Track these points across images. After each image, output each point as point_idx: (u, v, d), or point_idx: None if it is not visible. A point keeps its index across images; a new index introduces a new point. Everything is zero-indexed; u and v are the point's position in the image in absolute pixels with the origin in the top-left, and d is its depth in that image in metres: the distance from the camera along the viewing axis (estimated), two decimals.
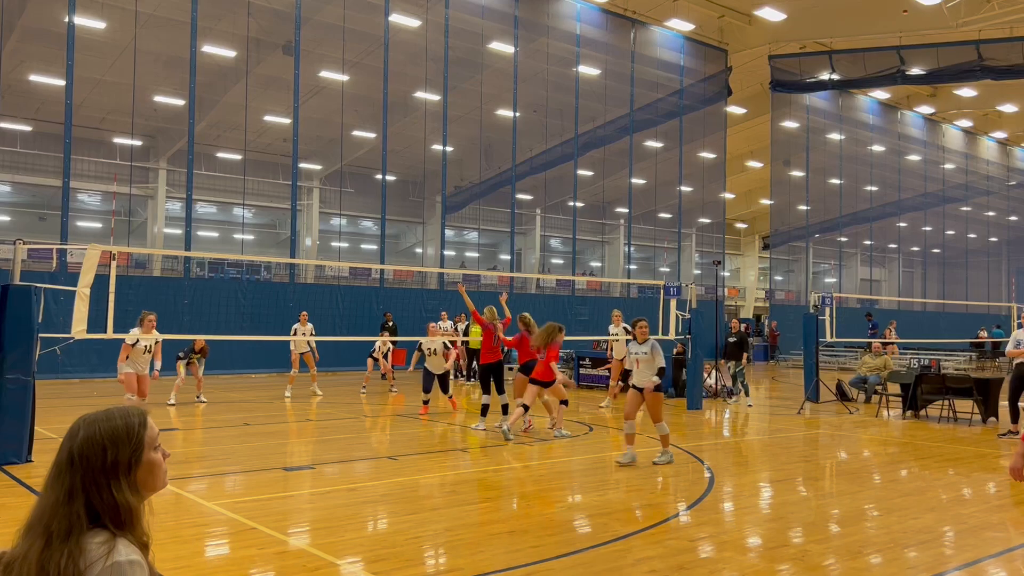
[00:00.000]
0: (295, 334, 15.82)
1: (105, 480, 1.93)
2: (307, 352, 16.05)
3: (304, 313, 16.20)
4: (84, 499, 1.91)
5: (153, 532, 2.06)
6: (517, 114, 27.83)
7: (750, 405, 15.69)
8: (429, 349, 13.30)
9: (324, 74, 25.70)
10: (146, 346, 11.38)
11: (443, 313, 20.55)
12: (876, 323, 26.89)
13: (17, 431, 8.35)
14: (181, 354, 14.44)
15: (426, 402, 13.34)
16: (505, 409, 11.55)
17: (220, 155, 29.09)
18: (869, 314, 28.05)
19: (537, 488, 7.79)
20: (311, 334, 15.93)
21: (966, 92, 37.67)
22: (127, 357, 11.31)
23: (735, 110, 35.61)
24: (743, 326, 16.94)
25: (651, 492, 7.77)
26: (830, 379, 17.96)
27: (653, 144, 32.57)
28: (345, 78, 25.23)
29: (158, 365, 12.07)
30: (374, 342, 17.64)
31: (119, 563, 1.87)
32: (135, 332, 11.30)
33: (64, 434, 2.00)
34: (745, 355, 16.21)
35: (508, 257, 33.04)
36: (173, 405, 13.67)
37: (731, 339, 16.46)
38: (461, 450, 10.19)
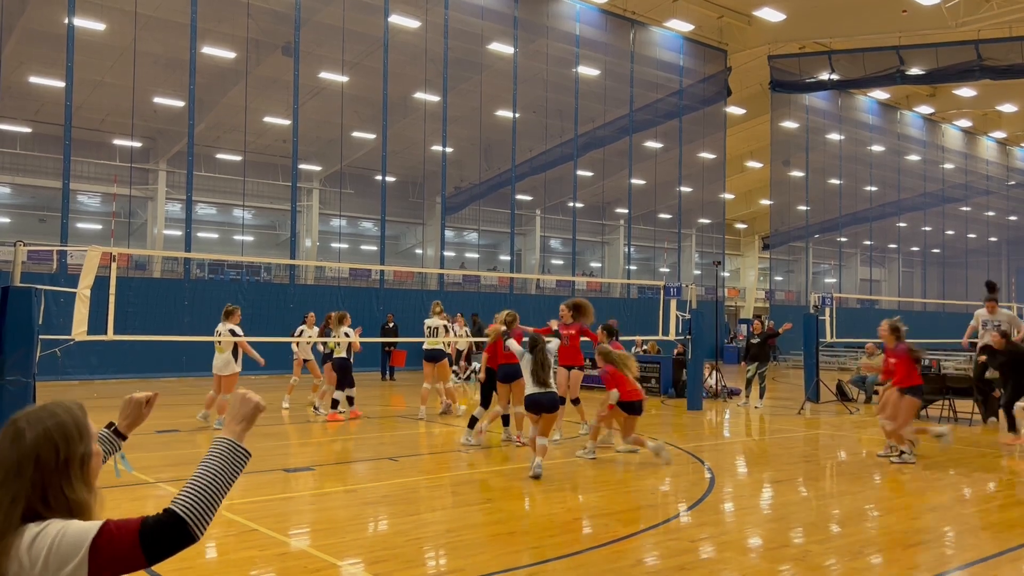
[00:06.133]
0: (300, 335, 13.82)
1: (58, 480, 1.85)
2: (311, 360, 14.19)
3: (311, 314, 14.34)
4: (25, 504, 1.82)
5: None
6: (517, 115, 27.83)
7: (757, 407, 15.61)
8: (430, 328, 12.96)
9: (324, 75, 25.70)
10: (309, 336, 13.13)
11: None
12: None
13: None
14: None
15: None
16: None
17: (220, 156, 29.08)
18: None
19: (537, 489, 7.78)
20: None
21: (965, 92, 37.69)
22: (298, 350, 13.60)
23: (734, 110, 35.61)
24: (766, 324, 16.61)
25: (652, 493, 7.77)
26: (830, 379, 17.94)
27: (653, 144, 32.57)
28: (345, 79, 25.23)
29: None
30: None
31: (66, 528, 1.80)
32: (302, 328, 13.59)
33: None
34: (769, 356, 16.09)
35: (508, 258, 33.04)
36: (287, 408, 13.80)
37: (754, 340, 16.08)
38: (462, 451, 10.19)
